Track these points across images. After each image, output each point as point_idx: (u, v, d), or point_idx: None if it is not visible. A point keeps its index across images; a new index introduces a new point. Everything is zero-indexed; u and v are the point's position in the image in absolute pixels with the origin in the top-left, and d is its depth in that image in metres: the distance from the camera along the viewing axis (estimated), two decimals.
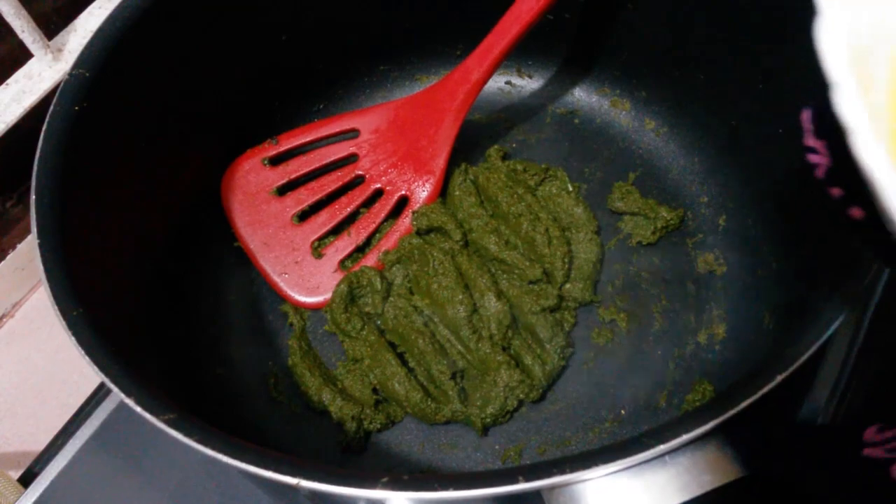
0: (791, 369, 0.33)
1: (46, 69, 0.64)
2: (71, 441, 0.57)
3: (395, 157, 0.56)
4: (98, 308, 0.39)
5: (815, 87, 0.20)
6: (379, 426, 0.49)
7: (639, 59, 0.59)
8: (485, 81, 0.54)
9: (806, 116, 0.26)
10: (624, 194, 0.56)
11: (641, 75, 0.59)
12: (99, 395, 0.58)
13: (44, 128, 0.42)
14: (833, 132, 0.25)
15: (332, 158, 0.57)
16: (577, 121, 0.62)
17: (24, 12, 0.57)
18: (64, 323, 0.36)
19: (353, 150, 0.57)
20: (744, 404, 0.33)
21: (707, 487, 0.33)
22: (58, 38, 0.65)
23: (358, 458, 0.49)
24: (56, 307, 0.37)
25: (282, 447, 0.50)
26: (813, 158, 0.26)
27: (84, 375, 0.62)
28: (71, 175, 0.42)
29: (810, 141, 0.26)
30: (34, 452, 0.58)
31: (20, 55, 0.61)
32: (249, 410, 0.51)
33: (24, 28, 0.58)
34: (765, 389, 0.33)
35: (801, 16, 0.44)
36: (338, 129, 0.58)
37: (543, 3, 0.50)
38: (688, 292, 0.54)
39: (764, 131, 0.51)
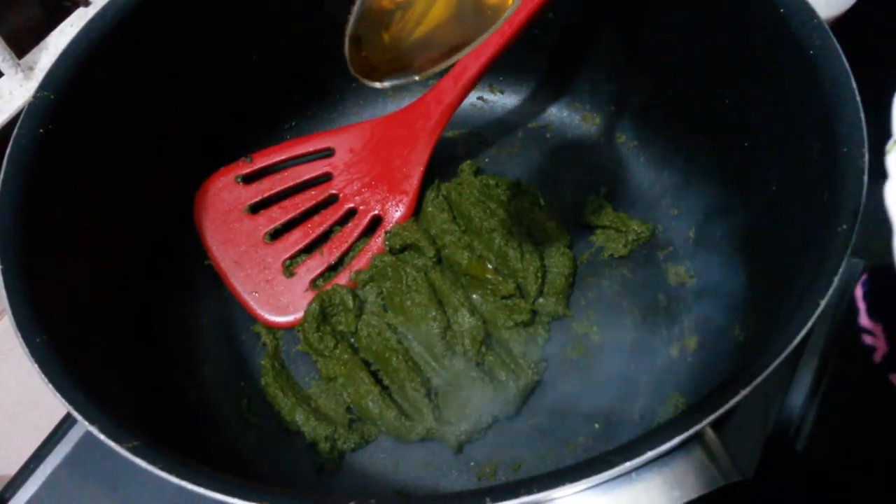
0: (754, 384, 0.33)
1: (17, 87, 0.63)
2: (42, 466, 0.56)
3: (368, 176, 0.56)
4: (64, 333, 0.39)
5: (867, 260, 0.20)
6: (353, 446, 0.49)
7: (608, 75, 0.59)
8: (459, 102, 0.54)
9: (859, 293, 0.25)
10: (595, 208, 0.57)
11: (611, 90, 0.60)
12: (72, 418, 0.57)
13: (7, 151, 0.42)
14: (892, 314, 0.24)
15: (306, 177, 0.57)
16: (548, 135, 0.62)
17: None
18: (27, 350, 0.36)
19: (327, 169, 0.57)
20: (709, 419, 0.33)
21: (676, 503, 0.33)
22: (28, 57, 0.65)
23: (332, 478, 0.49)
24: (19, 334, 0.36)
25: (255, 469, 0.49)
26: (868, 340, 0.25)
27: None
28: (35, 198, 0.42)
29: (865, 321, 0.25)
30: (5, 478, 0.56)
31: None
32: (223, 432, 0.51)
33: None
34: (729, 404, 0.33)
35: (765, 38, 0.45)
36: (313, 148, 0.58)
37: (516, 27, 0.50)
38: (659, 305, 0.54)
39: (731, 144, 0.51)
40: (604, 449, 0.48)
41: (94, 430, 0.33)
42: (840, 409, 0.44)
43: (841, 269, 0.36)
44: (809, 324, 0.35)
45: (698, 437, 0.34)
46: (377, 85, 0.35)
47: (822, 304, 0.35)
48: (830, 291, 0.35)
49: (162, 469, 0.32)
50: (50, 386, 0.35)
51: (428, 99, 0.54)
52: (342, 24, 0.58)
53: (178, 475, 0.32)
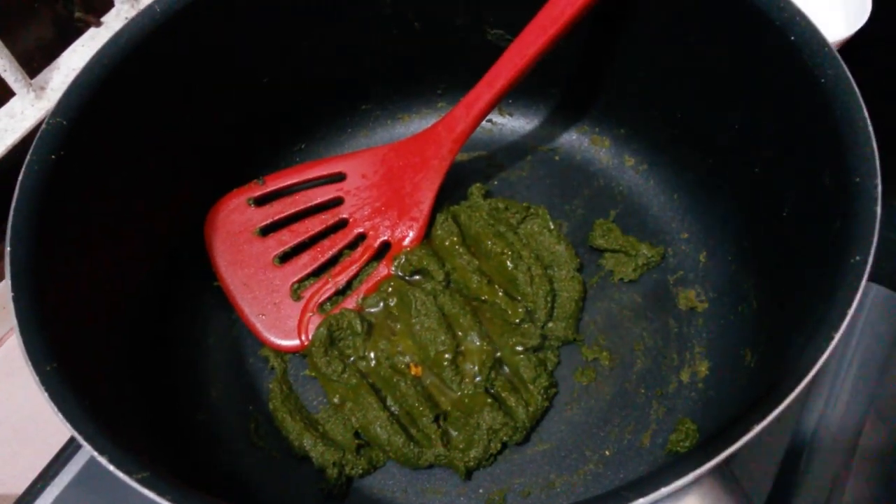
0: (769, 419, 0.33)
1: (29, 107, 0.64)
2: (52, 484, 0.55)
3: (379, 202, 0.56)
4: (74, 359, 0.39)
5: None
6: (361, 472, 0.49)
7: (618, 98, 0.59)
8: (471, 131, 0.54)
9: None
10: (605, 232, 0.57)
11: (620, 113, 0.60)
12: None
13: (20, 178, 0.42)
14: None
15: (317, 201, 0.57)
16: (557, 158, 0.62)
17: (5, 51, 0.57)
18: (37, 379, 0.36)
19: (338, 193, 0.57)
20: (723, 455, 0.33)
21: None
22: (40, 77, 0.65)
23: None
24: (29, 362, 0.36)
25: (263, 494, 0.49)
26: None
27: None
28: (47, 225, 0.42)
29: None
30: (13, 496, 0.56)
31: (1, 94, 0.61)
32: (230, 456, 0.51)
33: (5, 67, 0.58)
34: (744, 440, 0.33)
35: (776, 65, 0.45)
36: (325, 172, 0.58)
37: (529, 58, 0.49)
38: (670, 330, 0.54)
39: (742, 169, 0.51)
40: (614, 476, 0.49)
41: (103, 460, 0.33)
42: None
43: (855, 302, 0.35)
44: (825, 356, 0.35)
45: (712, 470, 0.34)
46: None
47: (837, 336, 0.35)
48: (845, 324, 0.35)
49: (171, 501, 0.32)
50: (60, 416, 0.35)
51: (440, 127, 0.54)
52: (351, 48, 0.58)
53: None
